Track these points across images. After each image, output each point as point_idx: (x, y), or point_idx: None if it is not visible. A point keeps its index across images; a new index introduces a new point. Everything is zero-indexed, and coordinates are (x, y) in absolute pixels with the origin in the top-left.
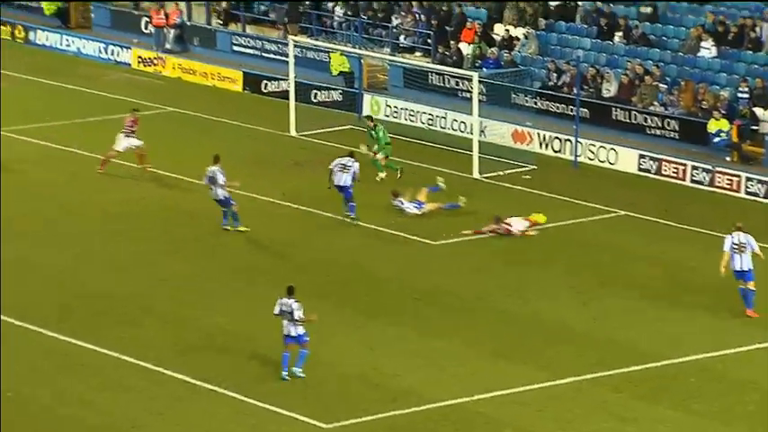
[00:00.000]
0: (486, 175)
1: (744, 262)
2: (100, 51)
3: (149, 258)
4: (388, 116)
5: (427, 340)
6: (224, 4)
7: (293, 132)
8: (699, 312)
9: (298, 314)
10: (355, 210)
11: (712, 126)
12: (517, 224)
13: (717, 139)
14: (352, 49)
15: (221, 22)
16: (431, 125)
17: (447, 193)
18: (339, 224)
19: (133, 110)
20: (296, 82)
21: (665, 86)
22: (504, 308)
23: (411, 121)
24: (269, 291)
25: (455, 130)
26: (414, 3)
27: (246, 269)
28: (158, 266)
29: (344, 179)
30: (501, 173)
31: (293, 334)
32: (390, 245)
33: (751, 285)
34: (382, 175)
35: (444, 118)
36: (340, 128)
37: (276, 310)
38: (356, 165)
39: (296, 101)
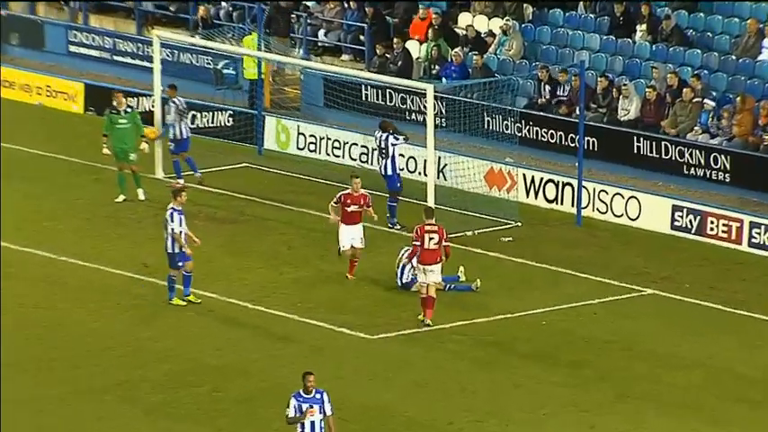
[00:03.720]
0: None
1: None
2: None
3: None
4: (302, 148)
5: None
6: None
7: (159, 174)
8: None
9: None
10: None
11: None
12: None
13: None
14: (244, 51)
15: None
16: (363, 162)
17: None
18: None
19: None
20: (163, 99)
21: (712, 104)
22: None
23: (335, 155)
24: None
25: (401, 170)
26: None
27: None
28: None
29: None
30: (468, 233)
31: None
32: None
33: None
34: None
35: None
36: (230, 167)
37: None
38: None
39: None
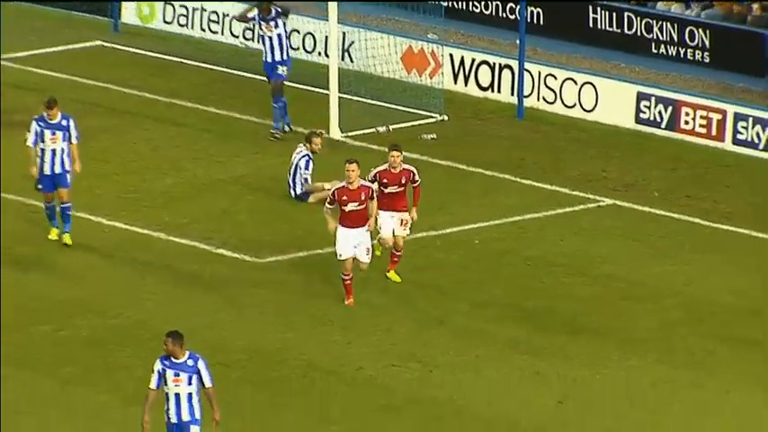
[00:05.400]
0: (352, 134)
1: None
2: None
3: None
4: (169, 22)
5: None
6: None
7: None
8: (749, 372)
9: None
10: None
11: None
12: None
13: None
14: None
15: None
16: (246, 42)
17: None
18: None
19: None
20: None
21: None
22: (402, 379)
23: (212, 31)
24: None
25: (295, 49)
26: None
27: None
28: None
29: None
30: (381, 129)
31: None
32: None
33: None
34: None
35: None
36: (80, 46)
37: None
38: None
39: None
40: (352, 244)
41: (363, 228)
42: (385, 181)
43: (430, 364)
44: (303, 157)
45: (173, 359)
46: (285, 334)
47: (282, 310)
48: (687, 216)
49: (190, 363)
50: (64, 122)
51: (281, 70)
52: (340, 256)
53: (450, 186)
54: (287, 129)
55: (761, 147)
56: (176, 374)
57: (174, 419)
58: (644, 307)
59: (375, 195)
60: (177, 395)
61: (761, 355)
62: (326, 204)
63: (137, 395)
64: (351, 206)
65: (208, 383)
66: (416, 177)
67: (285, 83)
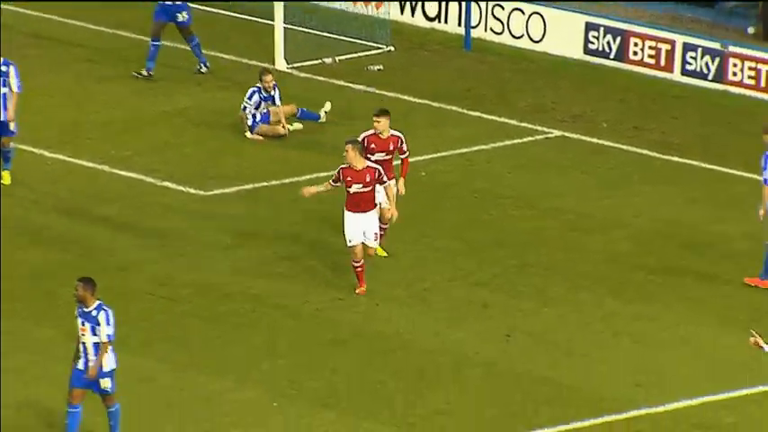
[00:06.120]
0: (298, 65)
1: None
2: None
3: None
4: None
5: None
6: None
7: None
8: (695, 307)
9: None
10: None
11: None
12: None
13: None
14: None
15: None
16: None
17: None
18: None
19: None
20: None
21: None
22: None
23: None
24: None
25: None
26: None
27: None
28: None
29: None
30: (327, 60)
31: None
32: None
33: None
34: None
35: None
36: None
37: None
38: None
39: None
40: (361, 229)
41: (372, 212)
42: (372, 146)
43: (376, 297)
44: (252, 89)
45: (83, 307)
46: (232, 267)
47: (228, 243)
48: (636, 147)
49: (94, 313)
50: (4, 68)
51: (182, 16)
52: (349, 241)
53: (397, 118)
54: (203, 68)
55: (710, 77)
56: (83, 323)
57: (81, 367)
58: (592, 239)
59: (384, 178)
60: (84, 345)
61: (711, 287)
62: (330, 181)
63: None
64: (355, 187)
65: (105, 338)
66: (405, 147)
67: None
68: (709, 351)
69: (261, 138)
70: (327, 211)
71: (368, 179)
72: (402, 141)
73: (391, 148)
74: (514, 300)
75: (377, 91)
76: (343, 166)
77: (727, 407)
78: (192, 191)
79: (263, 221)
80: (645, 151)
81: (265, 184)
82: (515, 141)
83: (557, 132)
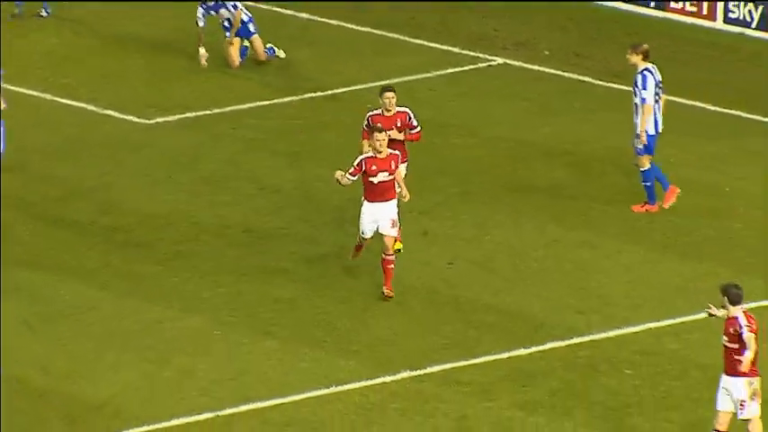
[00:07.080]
0: None
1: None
2: None
3: None
4: None
5: None
6: None
7: None
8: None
9: None
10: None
11: None
12: None
13: None
14: None
15: None
16: None
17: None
18: None
19: None
20: None
21: None
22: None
23: None
24: None
25: None
26: None
27: None
28: None
29: None
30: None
31: None
32: None
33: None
34: None
35: None
36: None
37: None
38: None
39: None
40: (373, 218)
41: (394, 199)
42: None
43: (318, 223)
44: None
45: None
46: (174, 196)
47: (170, 171)
48: (577, 75)
49: None
50: None
51: None
52: (363, 233)
53: (341, 46)
54: (44, 13)
55: (652, 5)
56: None
57: None
58: (534, 167)
59: (400, 161)
60: None
61: (653, 214)
62: (348, 176)
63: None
64: (381, 176)
65: None
66: (414, 122)
67: None
68: (652, 278)
69: (204, 60)
70: (271, 140)
71: (393, 166)
72: (410, 116)
73: (399, 124)
74: (456, 228)
75: (320, 19)
76: (365, 156)
77: (670, 333)
78: (135, 119)
79: (204, 149)
80: (587, 78)
81: (207, 112)
82: (458, 69)
83: (499, 60)
